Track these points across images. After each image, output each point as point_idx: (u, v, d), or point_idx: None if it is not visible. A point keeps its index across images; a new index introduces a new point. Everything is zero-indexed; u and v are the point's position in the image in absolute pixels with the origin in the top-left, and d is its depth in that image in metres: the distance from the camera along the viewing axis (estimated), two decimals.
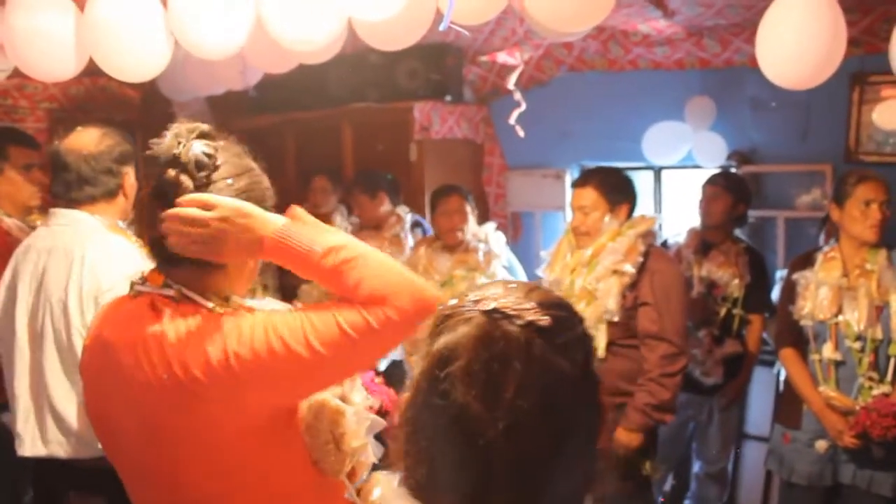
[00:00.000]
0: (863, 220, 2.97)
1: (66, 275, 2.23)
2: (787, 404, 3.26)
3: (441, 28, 2.00)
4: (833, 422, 2.98)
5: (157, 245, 1.43)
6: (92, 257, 2.23)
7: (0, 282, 2.38)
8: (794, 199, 4.13)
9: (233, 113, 5.22)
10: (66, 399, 2.23)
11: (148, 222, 1.44)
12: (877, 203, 2.95)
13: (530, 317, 0.94)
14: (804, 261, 3.16)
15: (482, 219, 4.94)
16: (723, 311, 3.81)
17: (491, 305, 0.96)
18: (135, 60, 2.49)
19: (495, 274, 3.73)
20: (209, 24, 2.43)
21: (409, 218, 4.45)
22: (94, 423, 1.51)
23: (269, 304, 1.54)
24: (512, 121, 2.70)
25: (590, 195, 3.16)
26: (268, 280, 4.41)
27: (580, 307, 3.14)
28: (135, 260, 2.13)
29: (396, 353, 4.47)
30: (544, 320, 0.94)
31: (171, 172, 1.40)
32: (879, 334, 2.92)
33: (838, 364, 3.01)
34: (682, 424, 3.98)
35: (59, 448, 2.25)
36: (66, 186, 2.33)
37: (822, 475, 3.07)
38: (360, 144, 5.01)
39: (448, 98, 4.74)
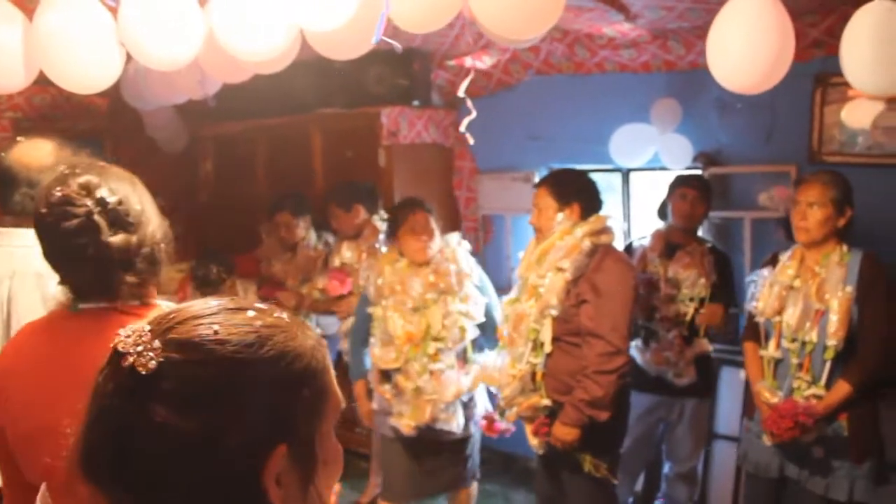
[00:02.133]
0: (794, 222, 3.04)
1: (41, 297, 2.15)
2: (748, 395, 3.36)
3: (373, 41, 2.01)
4: (764, 416, 3.05)
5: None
6: None
7: None
8: (760, 200, 4.14)
9: (202, 119, 5.20)
10: None
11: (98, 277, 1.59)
12: (804, 204, 3.00)
13: (134, 360, 0.85)
14: (770, 260, 3.25)
15: (454, 223, 4.97)
16: (690, 311, 3.83)
17: (119, 341, 0.88)
18: (84, 72, 2.48)
19: (468, 295, 3.60)
20: (159, 36, 2.42)
21: (384, 227, 4.45)
22: (31, 439, 1.52)
23: None
24: (462, 129, 2.71)
25: (542, 194, 3.33)
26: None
27: (529, 303, 3.26)
28: None
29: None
30: (146, 365, 0.85)
31: (117, 237, 1.58)
32: (814, 337, 2.95)
33: (778, 361, 3.09)
34: (652, 426, 4.00)
35: None
36: (18, 203, 2.23)
37: (768, 466, 3.16)
38: (330, 150, 5.00)
39: (416, 103, 4.74)
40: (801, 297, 3.00)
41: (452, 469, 3.76)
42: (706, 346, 3.86)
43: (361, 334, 3.80)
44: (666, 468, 4.18)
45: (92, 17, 2.46)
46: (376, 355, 3.64)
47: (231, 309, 0.91)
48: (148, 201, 1.67)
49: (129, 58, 2.60)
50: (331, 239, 4.73)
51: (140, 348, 0.85)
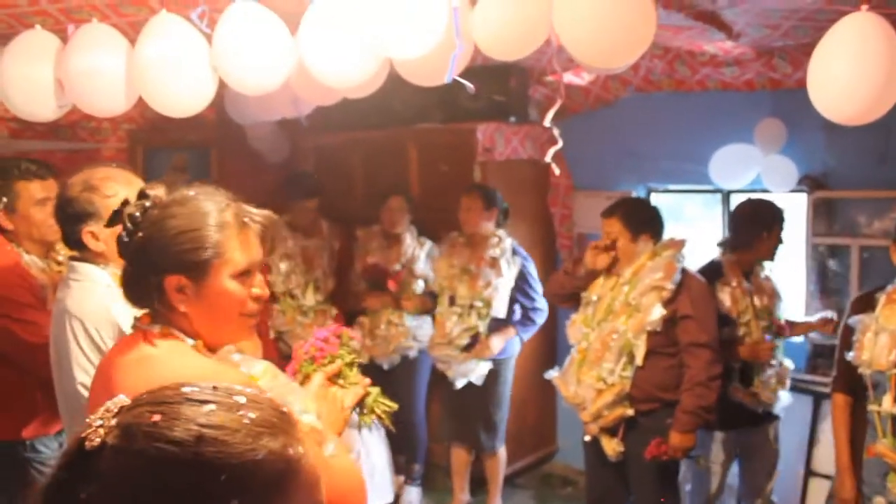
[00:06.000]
0: None
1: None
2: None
3: (446, 80, 2.01)
4: (844, 485, 2.88)
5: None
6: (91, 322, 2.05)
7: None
8: (869, 227, 3.93)
9: (302, 131, 5.33)
10: None
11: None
12: None
13: (87, 432, 0.81)
14: (865, 302, 2.96)
15: (549, 240, 4.96)
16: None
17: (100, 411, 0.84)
18: (177, 97, 2.57)
19: None
20: (250, 63, 2.49)
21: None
22: None
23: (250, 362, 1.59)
24: (548, 159, 2.66)
25: (615, 225, 3.46)
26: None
27: (621, 321, 3.38)
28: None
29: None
30: (92, 440, 0.80)
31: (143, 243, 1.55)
32: None
33: None
34: (728, 458, 3.85)
35: None
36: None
37: None
38: (425, 164, 5.02)
39: (512, 119, 4.72)
40: None
41: None
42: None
43: None
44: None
45: (188, 44, 2.54)
46: None
47: (191, 400, 0.84)
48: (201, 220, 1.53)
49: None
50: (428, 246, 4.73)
51: (100, 422, 0.82)
